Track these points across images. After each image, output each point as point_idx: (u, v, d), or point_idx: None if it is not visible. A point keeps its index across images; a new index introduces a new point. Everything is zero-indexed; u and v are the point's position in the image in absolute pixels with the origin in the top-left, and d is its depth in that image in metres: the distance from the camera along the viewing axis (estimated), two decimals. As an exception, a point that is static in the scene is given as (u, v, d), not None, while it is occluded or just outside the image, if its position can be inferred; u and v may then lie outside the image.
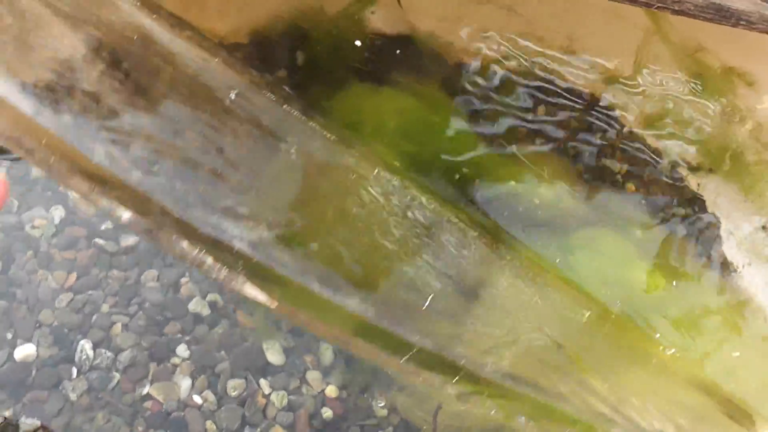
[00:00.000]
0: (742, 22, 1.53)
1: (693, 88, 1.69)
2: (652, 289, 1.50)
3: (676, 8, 1.49)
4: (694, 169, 1.70)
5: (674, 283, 1.52)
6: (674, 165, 1.69)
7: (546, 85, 1.72)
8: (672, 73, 1.70)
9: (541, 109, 1.69)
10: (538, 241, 1.51)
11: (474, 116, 1.67)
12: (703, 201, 1.69)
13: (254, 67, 1.68)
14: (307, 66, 1.70)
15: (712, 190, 1.68)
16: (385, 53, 1.72)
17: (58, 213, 1.55)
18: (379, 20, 1.71)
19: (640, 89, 1.71)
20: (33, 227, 1.52)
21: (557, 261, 1.45)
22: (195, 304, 1.47)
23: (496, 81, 1.69)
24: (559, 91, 1.71)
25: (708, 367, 1.42)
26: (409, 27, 1.71)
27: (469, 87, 1.68)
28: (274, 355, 1.44)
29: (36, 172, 1.58)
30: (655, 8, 1.48)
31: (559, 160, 1.67)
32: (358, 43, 1.70)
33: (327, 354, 1.46)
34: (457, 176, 1.57)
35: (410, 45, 1.71)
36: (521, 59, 1.71)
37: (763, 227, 1.63)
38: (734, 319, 1.51)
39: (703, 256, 1.60)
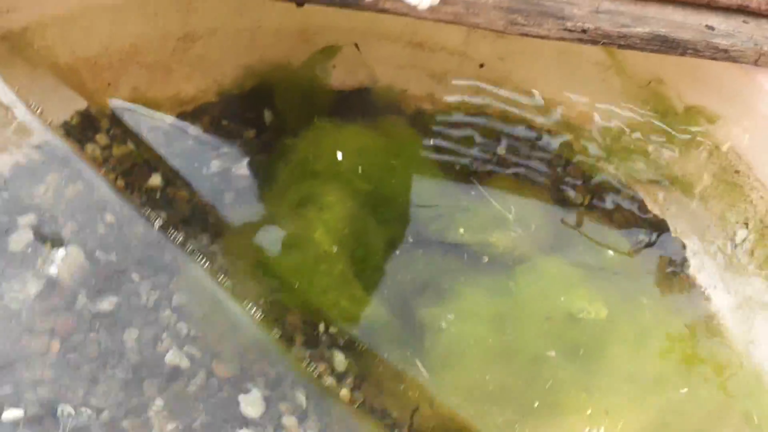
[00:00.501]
0: (689, 52, 1.57)
1: (651, 118, 1.73)
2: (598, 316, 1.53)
3: (622, 42, 1.54)
4: (655, 196, 1.73)
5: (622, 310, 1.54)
6: (635, 194, 1.72)
7: (503, 125, 1.76)
8: (629, 106, 1.74)
9: (501, 148, 1.73)
10: (491, 274, 1.55)
11: (435, 154, 1.71)
12: (667, 226, 1.71)
13: (224, 126, 1.74)
14: (275, 123, 1.74)
15: (674, 215, 1.71)
16: (348, 103, 1.77)
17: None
18: (341, 72, 1.77)
19: (599, 123, 1.75)
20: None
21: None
22: (172, 356, 1.49)
23: (453, 122, 1.74)
24: (516, 129, 1.76)
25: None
26: (369, 77, 1.76)
27: (428, 128, 1.73)
28: (250, 406, 1.46)
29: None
30: (602, 44, 1.52)
31: (520, 193, 1.71)
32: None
33: (302, 400, 1.48)
34: (416, 215, 1.62)
35: (370, 95, 1.76)
36: (478, 101, 1.75)
37: (732, 246, 1.65)
38: (694, 347, 1.53)
39: (668, 279, 1.63)
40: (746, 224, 1.62)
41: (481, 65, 1.73)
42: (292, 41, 1.73)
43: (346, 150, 1.66)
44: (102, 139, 1.60)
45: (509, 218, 1.65)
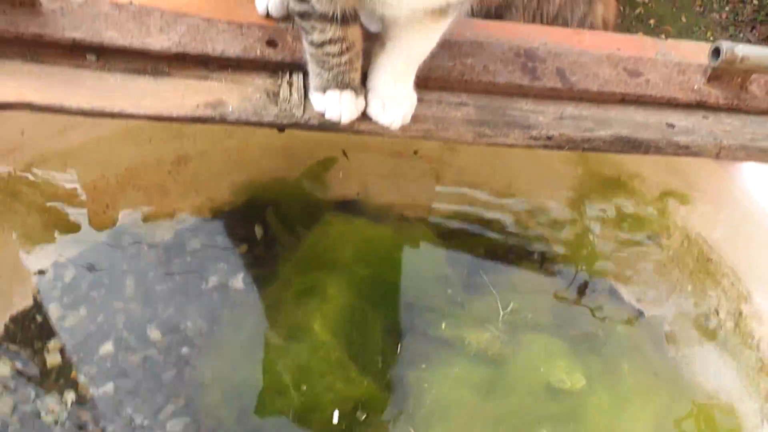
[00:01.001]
0: (651, 150, 1.66)
1: (621, 210, 1.81)
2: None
3: (587, 146, 1.63)
4: (630, 284, 1.80)
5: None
6: (611, 284, 1.79)
7: (486, 231, 1.85)
8: (601, 202, 1.83)
9: (480, 249, 1.81)
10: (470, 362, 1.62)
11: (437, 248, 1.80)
12: (642, 312, 1.78)
13: (219, 242, 1.83)
14: (265, 237, 1.83)
15: (651, 302, 1.78)
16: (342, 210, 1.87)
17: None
18: (333, 184, 1.86)
19: (574, 221, 1.83)
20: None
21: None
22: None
23: (444, 225, 1.83)
24: (496, 230, 1.84)
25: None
26: (360, 186, 1.86)
27: (414, 234, 1.81)
28: None
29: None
30: (567, 149, 1.61)
31: (517, 284, 1.78)
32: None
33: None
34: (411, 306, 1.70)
35: (360, 205, 1.86)
36: (461, 206, 1.84)
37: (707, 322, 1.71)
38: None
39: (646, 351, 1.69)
40: (717, 311, 1.68)
41: (464, 172, 1.82)
42: (279, 156, 1.83)
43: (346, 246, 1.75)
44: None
45: (500, 314, 1.71)
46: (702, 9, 3.86)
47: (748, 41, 3.72)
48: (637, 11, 3.72)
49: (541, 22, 2.33)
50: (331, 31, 1.31)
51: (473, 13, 1.68)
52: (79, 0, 1.52)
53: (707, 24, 3.78)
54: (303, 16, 1.38)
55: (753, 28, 3.80)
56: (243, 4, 1.63)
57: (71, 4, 1.50)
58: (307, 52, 1.40)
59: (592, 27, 2.42)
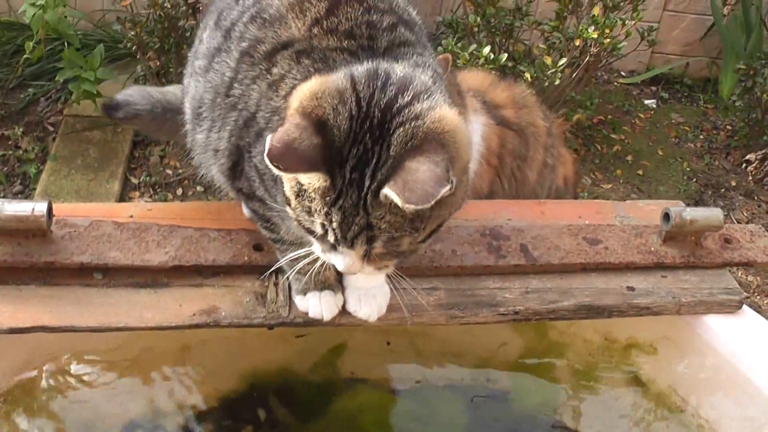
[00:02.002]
0: (614, 314, 1.80)
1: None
2: None
3: (552, 316, 1.77)
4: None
5: None
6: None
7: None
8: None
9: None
10: None
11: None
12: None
13: (226, 426, 1.95)
14: (269, 420, 1.95)
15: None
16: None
17: None
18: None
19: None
20: None
21: None
22: None
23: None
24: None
25: None
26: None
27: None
28: None
29: None
30: (535, 320, 1.75)
31: None
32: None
33: None
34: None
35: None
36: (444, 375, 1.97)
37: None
38: None
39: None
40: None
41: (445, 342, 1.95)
42: (276, 341, 1.96)
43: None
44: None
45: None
46: (677, 140, 4.05)
47: (723, 168, 3.89)
48: (615, 149, 3.90)
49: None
50: (303, 250, 1.43)
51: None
52: (85, 223, 1.69)
53: (683, 154, 3.96)
54: (275, 241, 1.55)
55: (727, 154, 3.98)
56: (231, 207, 1.81)
57: (78, 227, 1.68)
58: (284, 263, 1.56)
59: (556, 189, 2.61)
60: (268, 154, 1.12)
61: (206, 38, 1.59)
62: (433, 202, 1.10)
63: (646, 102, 4.36)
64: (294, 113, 1.18)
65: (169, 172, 3.38)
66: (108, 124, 3.48)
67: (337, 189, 1.16)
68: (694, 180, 3.85)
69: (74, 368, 1.83)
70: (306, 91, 1.20)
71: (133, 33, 3.06)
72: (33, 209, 1.59)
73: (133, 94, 2.01)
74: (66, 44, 3.36)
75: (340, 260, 1.25)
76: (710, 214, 1.88)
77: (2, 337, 1.58)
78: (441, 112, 1.18)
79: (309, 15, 1.36)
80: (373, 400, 1.95)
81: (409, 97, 1.18)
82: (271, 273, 1.69)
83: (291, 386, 1.96)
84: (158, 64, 3.21)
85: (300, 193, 1.20)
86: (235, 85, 1.44)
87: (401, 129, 1.15)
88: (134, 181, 3.34)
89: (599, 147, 3.90)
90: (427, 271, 1.74)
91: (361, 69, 1.21)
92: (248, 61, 1.41)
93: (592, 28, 3.13)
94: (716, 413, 1.82)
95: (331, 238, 1.22)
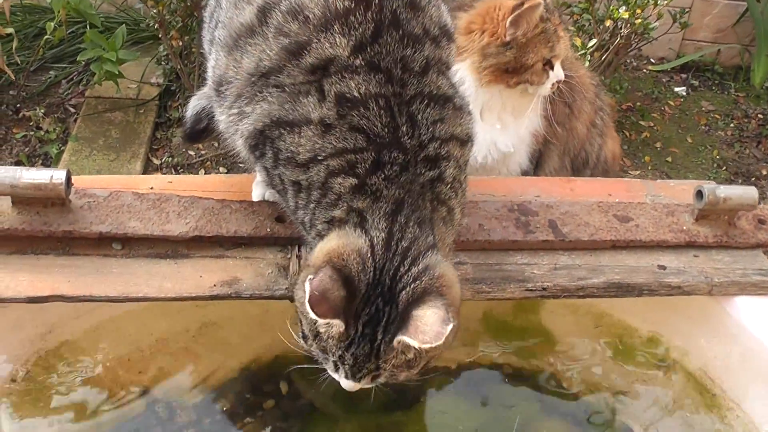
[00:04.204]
0: (644, 293, 1.75)
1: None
2: None
3: (581, 294, 1.72)
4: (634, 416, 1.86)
5: None
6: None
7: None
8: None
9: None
10: None
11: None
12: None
13: (247, 399, 1.92)
14: (291, 393, 1.92)
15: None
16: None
17: None
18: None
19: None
20: None
21: None
22: None
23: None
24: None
25: None
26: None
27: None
28: None
29: None
30: (562, 298, 1.70)
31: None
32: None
33: None
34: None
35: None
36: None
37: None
38: None
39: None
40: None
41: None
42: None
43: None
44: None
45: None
46: (707, 128, 3.98)
47: (754, 157, 3.82)
48: (643, 135, 3.84)
49: (569, 156, 2.50)
50: None
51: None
52: (105, 193, 1.66)
53: (713, 142, 3.89)
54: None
55: (758, 143, 3.90)
56: (253, 180, 1.78)
57: (97, 198, 1.65)
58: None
59: (605, 159, 2.58)
60: (309, 300, 1.27)
61: (227, 4, 1.55)
62: (443, 340, 1.25)
63: (676, 89, 4.29)
64: (326, 266, 1.32)
65: (192, 153, 3.36)
66: (130, 106, 3.46)
67: (350, 338, 1.33)
68: (724, 168, 3.77)
69: (95, 342, 1.80)
70: (335, 248, 1.36)
71: (155, 11, 3.03)
72: (51, 177, 1.56)
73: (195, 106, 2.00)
74: (88, 26, 3.34)
75: (344, 384, 1.43)
76: (744, 192, 1.83)
77: (21, 306, 1.55)
78: (439, 271, 1.36)
79: (355, 34, 1.39)
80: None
81: (409, 264, 1.35)
82: (293, 244, 1.65)
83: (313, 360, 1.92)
84: (181, 44, 3.18)
85: (317, 335, 1.37)
86: (273, 77, 1.44)
87: (405, 291, 1.33)
88: (156, 162, 3.32)
89: (627, 133, 3.84)
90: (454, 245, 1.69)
91: (380, 236, 1.36)
92: (293, 63, 1.41)
93: (623, 8, 3.07)
94: (747, 396, 1.76)
95: (341, 375, 1.40)
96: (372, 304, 1.34)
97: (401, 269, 1.35)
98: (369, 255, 1.35)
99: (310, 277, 1.31)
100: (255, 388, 1.92)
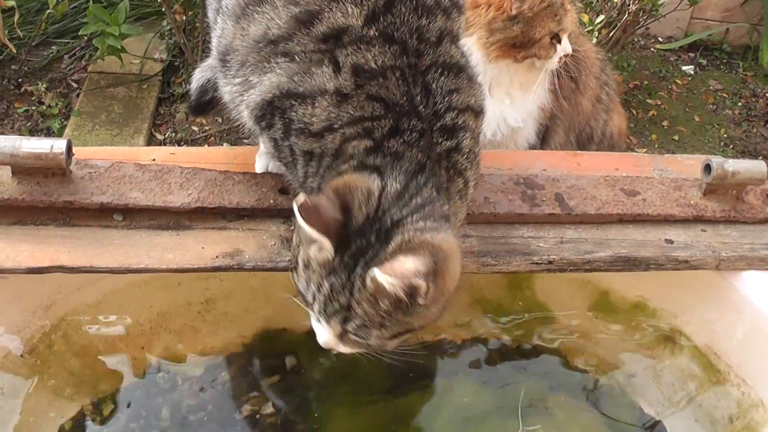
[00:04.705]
0: (651, 267, 1.73)
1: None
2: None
3: (588, 267, 1.70)
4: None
5: None
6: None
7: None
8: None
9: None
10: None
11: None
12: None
13: (250, 373, 1.91)
14: (296, 368, 1.90)
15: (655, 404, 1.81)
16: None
17: None
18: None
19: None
20: None
21: None
22: None
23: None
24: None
25: None
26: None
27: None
28: None
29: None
30: (568, 271, 1.69)
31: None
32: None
33: None
34: None
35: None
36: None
37: None
38: None
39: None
40: (731, 419, 1.72)
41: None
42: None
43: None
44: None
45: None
46: (714, 107, 3.94)
47: (762, 136, 3.78)
48: (650, 114, 3.80)
49: (574, 131, 2.48)
50: None
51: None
52: (106, 164, 1.65)
53: (720, 121, 3.86)
54: None
55: (766, 122, 3.87)
56: (256, 152, 1.76)
57: (99, 168, 1.64)
58: None
59: (610, 134, 2.56)
60: (299, 206, 1.25)
61: None
62: (403, 284, 1.20)
63: (684, 68, 4.25)
64: (330, 191, 1.31)
65: (195, 129, 3.34)
66: (133, 81, 3.43)
67: (332, 266, 1.30)
68: (731, 147, 3.74)
69: (98, 316, 1.79)
70: (346, 179, 1.34)
71: (159, -15, 3.00)
72: (52, 146, 1.54)
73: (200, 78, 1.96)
74: (91, 0, 3.31)
75: (319, 333, 1.40)
76: (753, 166, 1.81)
77: (22, 277, 1.53)
78: (443, 237, 1.31)
79: (368, 4, 1.37)
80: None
81: (418, 219, 1.31)
82: (297, 217, 1.63)
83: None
84: (184, 18, 3.15)
85: (307, 265, 1.34)
86: (282, 44, 1.40)
87: (401, 235, 1.28)
88: (159, 137, 3.29)
89: (634, 112, 3.81)
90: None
91: (394, 186, 1.33)
92: (304, 32, 1.38)
93: (631, -16, 3.04)
94: (754, 371, 1.75)
95: (315, 308, 1.36)
96: (365, 238, 1.30)
97: (408, 219, 1.31)
98: (377, 195, 1.32)
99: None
100: (258, 363, 1.91)
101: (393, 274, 1.21)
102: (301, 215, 1.25)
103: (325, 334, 1.39)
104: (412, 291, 1.23)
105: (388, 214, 1.31)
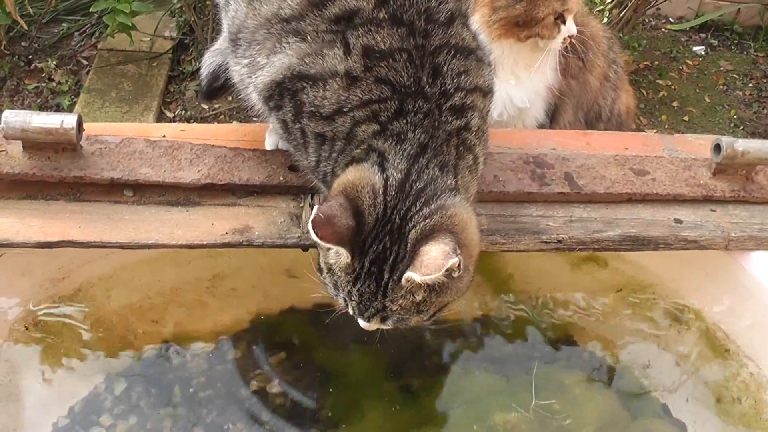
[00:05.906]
0: (660, 246, 1.73)
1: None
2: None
3: (596, 247, 1.70)
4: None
5: None
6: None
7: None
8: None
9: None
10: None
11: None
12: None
13: (258, 350, 1.92)
14: (304, 345, 1.91)
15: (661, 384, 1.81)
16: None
17: None
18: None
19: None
20: None
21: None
22: None
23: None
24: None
25: None
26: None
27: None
28: None
29: None
30: (577, 250, 1.69)
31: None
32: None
33: None
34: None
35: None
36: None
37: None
38: None
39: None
40: (738, 399, 1.72)
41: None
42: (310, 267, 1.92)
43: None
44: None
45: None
46: (725, 87, 3.92)
47: (773, 117, 3.77)
48: (660, 94, 3.79)
49: (582, 110, 2.47)
50: None
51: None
52: (116, 140, 1.65)
53: (731, 102, 3.84)
54: None
55: (777, 103, 3.85)
56: (267, 129, 1.76)
57: (109, 144, 1.64)
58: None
59: (618, 113, 2.55)
60: (312, 221, 1.26)
61: None
62: (443, 272, 1.23)
63: (695, 49, 4.22)
64: (339, 194, 1.33)
65: (205, 107, 3.34)
66: (143, 59, 3.43)
67: (356, 272, 1.33)
68: (741, 128, 3.72)
69: (107, 290, 1.80)
70: (351, 180, 1.35)
71: (169, -38, 2.99)
72: (62, 122, 1.55)
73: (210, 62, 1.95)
74: (101, -23, 3.30)
75: (359, 322, 1.43)
76: (763, 146, 1.80)
77: (33, 251, 1.54)
78: (452, 210, 1.33)
79: None
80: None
81: (421, 205, 1.33)
82: (306, 193, 1.63)
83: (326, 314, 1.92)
84: (195, -5, 3.15)
85: (331, 269, 1.37)
86: (295, 23, 1.41)
87: (414, 230, 1.31)
88: (169, 114, 3.29)
89: (645, 92, 3.79)
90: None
91: (396, 176, 1.34)
92: (316, 13, 1.39)
93: (643, -38, 3.01)
94: (762, 351, 1.75)
95: (350, 310, 1.41)
96: (380, 241, 1.33)
97: (412, 209, 1.34)
98: (381, 192, 1.34)
99: (321, 203, 1.33)
100: (267, 340, 1.91)
101: (429, 271, 1.24)
102: (315, 232, 1.28)
103: (365, 325, 1.43)
104: (449, 272, 1.25)
105: (395, 211, 1.34)
